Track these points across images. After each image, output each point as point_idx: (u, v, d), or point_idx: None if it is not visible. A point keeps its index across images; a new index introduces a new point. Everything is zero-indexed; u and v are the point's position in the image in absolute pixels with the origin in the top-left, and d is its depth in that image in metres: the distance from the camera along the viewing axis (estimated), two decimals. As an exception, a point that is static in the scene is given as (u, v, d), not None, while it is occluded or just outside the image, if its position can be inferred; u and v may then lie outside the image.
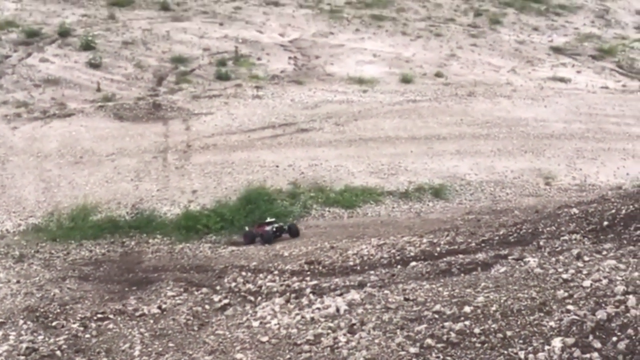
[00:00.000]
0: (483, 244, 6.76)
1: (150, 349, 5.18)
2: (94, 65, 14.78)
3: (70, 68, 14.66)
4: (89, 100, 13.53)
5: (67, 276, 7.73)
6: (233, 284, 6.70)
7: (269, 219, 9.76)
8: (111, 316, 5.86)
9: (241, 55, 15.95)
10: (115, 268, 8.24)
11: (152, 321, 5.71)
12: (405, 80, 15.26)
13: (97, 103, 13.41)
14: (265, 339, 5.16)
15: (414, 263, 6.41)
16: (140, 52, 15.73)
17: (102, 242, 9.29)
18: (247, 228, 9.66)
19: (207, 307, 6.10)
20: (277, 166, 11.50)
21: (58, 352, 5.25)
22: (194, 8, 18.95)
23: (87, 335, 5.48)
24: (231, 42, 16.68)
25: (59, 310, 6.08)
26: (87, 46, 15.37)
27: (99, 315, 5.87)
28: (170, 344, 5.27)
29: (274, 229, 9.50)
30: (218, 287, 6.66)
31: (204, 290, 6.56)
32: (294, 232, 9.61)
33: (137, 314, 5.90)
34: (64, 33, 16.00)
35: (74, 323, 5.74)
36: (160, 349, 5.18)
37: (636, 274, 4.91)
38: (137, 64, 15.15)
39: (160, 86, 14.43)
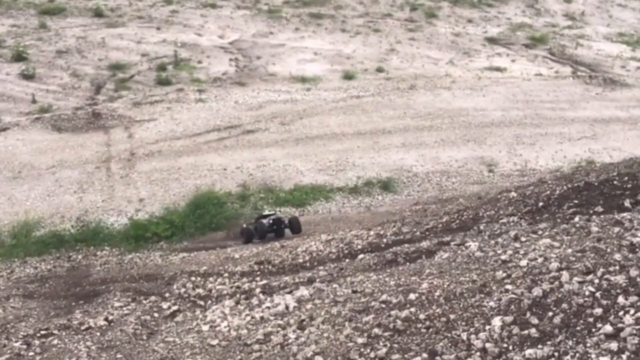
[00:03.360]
0: (427, 232, 6.94)
1: (97, 362, 5.09)
2: (27, 76, 14.30)
3: (2, 80, 14.14)
4: (24, 112, 13.09)
5: (11, 295, 7.49)
6: (182, 290, 6.64)
7: (267, 212, 9.26)
8: (55, 332, 5.71)
9: (181, 59, 15.76)
10: (62, 283, 8.02)
11: (98, 334, 5.61)
12: (348, 76, 15.42)
13: (33, 115, 12.99)
14: (215, 342, 5.15)
15: (361, 255, 6.51)
16: (75, 60, 15.32)
17: (48, 257, 9.04)
18: (244, 225, 9.20)
19: (156, 315, 6.03)
20: (225, 169, 11.43)
21: (1, 374, 5.09)
22: (129, 13, 18.57)
23: (31, 353, 5.34)
24: (170, 46, 16.45)
25: (0, 330, 5.89)
26: (19, 57, 14.86)
27: (43, 332, 5.72)
28: (119, 355, 5.19)
29: (270, 222, 8.81)
30: (167, 294, 6.59)
31: (153, 298, 6.48)
32: (295, 228, 8.92)
33: (83, 327, 5.78)
34: (-7, 45, 15.44)
35: (16, 342, 5.57)
36: (108, 361, 5.11)
37: (569, 250, 5.14)
38: (73, 73, 14.75)
39: (98, 94, 14.10)
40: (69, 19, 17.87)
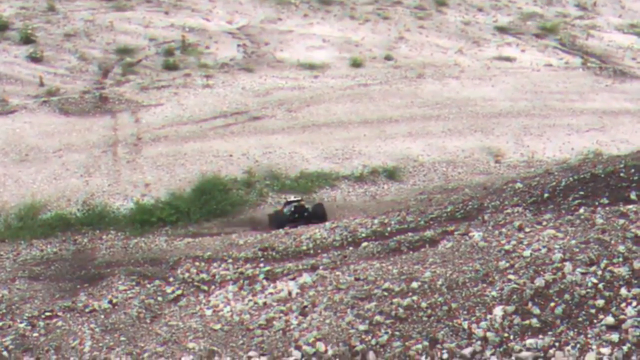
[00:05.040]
0: (431, 222, 6.94)
1: (100, 344, 5.14)
2: (35, 59, 14.31)
3: (10, 63, 14.17)
4: (31, 95, 13.13)
5: (17, 277, 7.56)
6: (186, 275, 6.68)
7: (293, 197, 8.98)
8: (60, 313, 5.77)
9: (189, 44, 15.71)
10: (67, 266, 8.09)
11: (102, 316, 5.66)
12: (356, 64, 15.34)
13: (41, 98, 13.02)
14: (218, 326, 5.19)
15: (365, 243, 6.53)
16: (83, 44, 15.32)
17: (54, 240, 9.10)
18: (273, 210, 8.73)
19: (159, 299, 6.07)
20: (231, 155, 11.44)
21: (5, 353, 5.16)
22: (138, -3, 18.52)
23: (35, 334, 5.40)
24: (178, 31, 16.40)
25: (5, 311, 5.95)
26: (27, 39, 14.87)
27: (47, 314, 5.78)
28: (122, 338, 5.24)
29: (292, 210, 8.49)
30: (171, 279, 6.64)
31: (157, 282, 6.52)
32: (319, 215, 8.51)
33: (87, 309, 5.83)
34: (1, 27, 15.43)
35: (21, 322, 5.64)
36: (112, 343, 5.15)
37: (573, 241, 5.14)
38: (81, 56, 14.76)
39: (106, 78, 14.11)
40: (78, 2, 17.84)
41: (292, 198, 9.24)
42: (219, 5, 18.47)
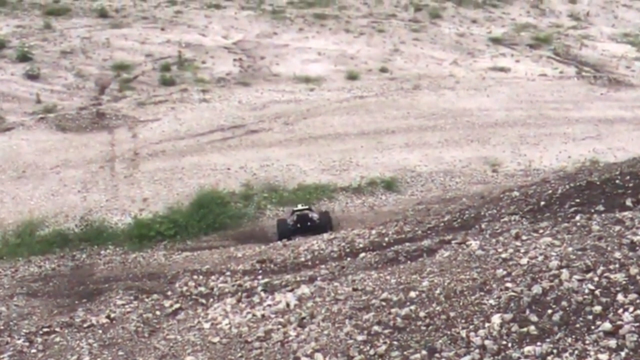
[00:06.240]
0: (429, 231, 6.95)
1: (99, 359, 5.12)
2: (32, 76, 14.42)
3: (7, 80, 14.26)
4: (28, 112, 13.19)
5: (15, 293, 7.53)
6: (185, 288, 6.67)
7: (300, 206, 8.65)
8: (58, 329, 5.76)
9: (185, 59, 15.83)
10: (66, 282, 8.07)
11: (100, 331, 5.64)
12: (351, 76, 15.45)
13: (38, 115, 13.08)
14: (216, 339, 5.17)
15: (363, 254, 6.53)
16: (80, 61, 15.42)
17: (52, 257, 9.08)
18: (280, 216, 8.45)
19: (157, 313, 6.05)
20: (229, 169, 11.47)
21: (3, 370, 5.14)
22: (134, 14, 18.68)
23: (33, 350, 5.38)
24: (174, 46, 16.54)
25: (2, 328, 5.94)
26: (24, 57, 14.99)
27: (45, 330, 5.76)
28: (120, 353, 5.22)
29: (295, 219, 8.15)
30: (169, 293, 6.63)
31: (155, 296, 6.51)
32: (325, 226, 8.14)
33: (85, 325, 5.82)
34: (-2, 45, 15.58)
35: (18, 339, 5.62)
36: (110, 358, 5.14)
37: (570, 249, 5.14)
38: (78, 73, 14.85)
39: (103, 95, 14.19)
40: (74, 19, 18.00)
41: (299, 207, 9.12)
42: (215, 20, 18.63)
